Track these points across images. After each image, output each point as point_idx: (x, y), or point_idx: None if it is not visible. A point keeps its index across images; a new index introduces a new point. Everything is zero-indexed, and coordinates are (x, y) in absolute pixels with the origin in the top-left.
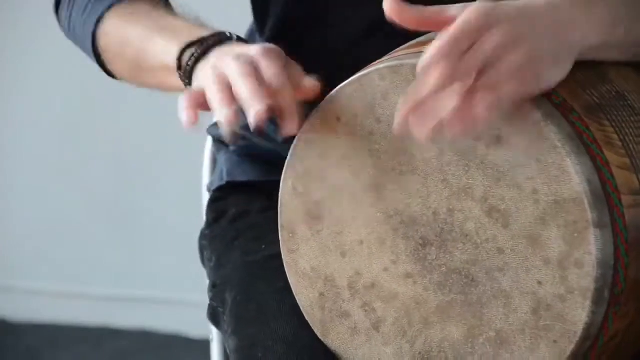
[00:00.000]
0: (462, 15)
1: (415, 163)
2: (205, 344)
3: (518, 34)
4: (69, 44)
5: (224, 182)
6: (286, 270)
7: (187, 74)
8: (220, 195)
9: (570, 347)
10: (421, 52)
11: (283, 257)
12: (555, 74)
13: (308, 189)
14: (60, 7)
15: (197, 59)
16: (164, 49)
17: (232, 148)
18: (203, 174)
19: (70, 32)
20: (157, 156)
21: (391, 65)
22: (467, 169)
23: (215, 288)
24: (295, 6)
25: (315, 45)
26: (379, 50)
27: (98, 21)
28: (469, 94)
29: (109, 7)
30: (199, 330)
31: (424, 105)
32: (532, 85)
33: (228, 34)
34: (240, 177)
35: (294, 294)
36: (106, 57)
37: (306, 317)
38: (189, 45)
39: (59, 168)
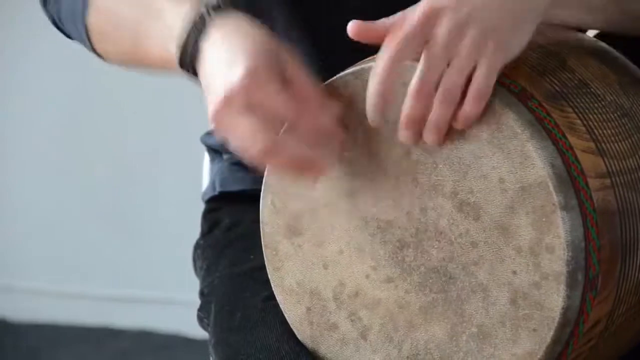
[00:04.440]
0: (407, 19)
1: (385, 166)
2: (205, 344)
3: (463, 16)
4: (69, 43)
5: (216, 193)
6: (274, 289)
7: (190, 65)
8: (214, 206)
9: (549, 334)
10: None
11: (269, 276)
12: (519, 38)
13: (286, 204)
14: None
15: (195, 53)
16: (160, 45)
17: (225, 156)
18: (203, 174)
19: (57, 17)
20: (158, 156)
21: (353, 71)
22: (434, 165)
23: (202, 297)
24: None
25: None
26: None
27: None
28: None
29: None
30: (199, 330)
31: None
32: (499, 54)
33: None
34: (233, 187)
35: (283, 312)
36: (96, 37)
37: (297, 335)
38: (185, 41)
39: (59, 168)
